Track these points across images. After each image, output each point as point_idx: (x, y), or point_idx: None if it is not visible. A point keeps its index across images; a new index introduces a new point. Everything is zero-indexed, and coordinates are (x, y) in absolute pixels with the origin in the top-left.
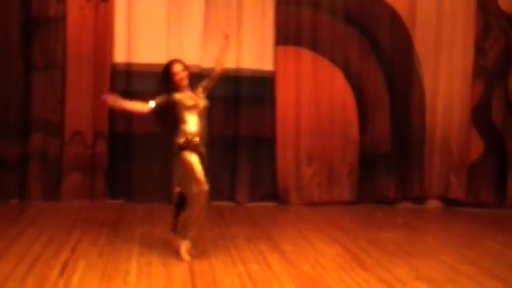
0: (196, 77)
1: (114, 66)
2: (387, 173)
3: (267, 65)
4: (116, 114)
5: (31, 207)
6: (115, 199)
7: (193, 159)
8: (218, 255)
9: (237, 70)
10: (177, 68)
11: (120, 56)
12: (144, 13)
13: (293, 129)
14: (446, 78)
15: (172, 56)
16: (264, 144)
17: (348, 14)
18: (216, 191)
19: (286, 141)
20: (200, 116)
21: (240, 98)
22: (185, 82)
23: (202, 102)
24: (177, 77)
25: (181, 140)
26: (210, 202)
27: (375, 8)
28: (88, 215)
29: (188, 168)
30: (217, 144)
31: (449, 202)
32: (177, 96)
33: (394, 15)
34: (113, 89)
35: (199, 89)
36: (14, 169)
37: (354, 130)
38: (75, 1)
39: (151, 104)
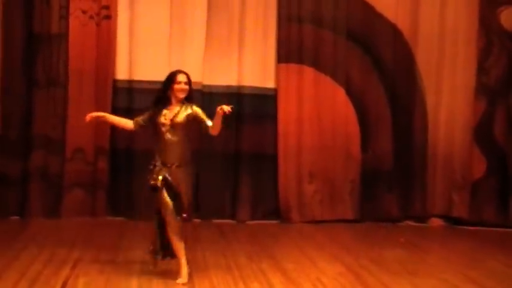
0: (197, 94)
1: (115, 83)
2: (389, 191)
3: (269, 83)
4: (118, 131)
5: (32, 224)
6: (116, 216)
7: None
8: (219, 274)
9: (239, 87)
10: (181, 77)
11: (121, 73)
12: (146, 30)
13: (295, 146)
14: (448, 96)
15: None
16: (265, 161)
17: (350, 31)
18: (217, 209)
19: (288, 158)
20: (174, 132)
21: (241, 115)
22: (182, 95)
23: (180, 118)
24: (177, 86)
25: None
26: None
27: (377, 25)
28: (89, 232)
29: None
30: (219, 161)
31: (452, 221)
32: (158, 115)
33: (396, 32)
34: (115, 106)
35: (193, 109)
36: (15, 186)
37: (355, 147)
38: (77, 18)
39: (133, 123)
